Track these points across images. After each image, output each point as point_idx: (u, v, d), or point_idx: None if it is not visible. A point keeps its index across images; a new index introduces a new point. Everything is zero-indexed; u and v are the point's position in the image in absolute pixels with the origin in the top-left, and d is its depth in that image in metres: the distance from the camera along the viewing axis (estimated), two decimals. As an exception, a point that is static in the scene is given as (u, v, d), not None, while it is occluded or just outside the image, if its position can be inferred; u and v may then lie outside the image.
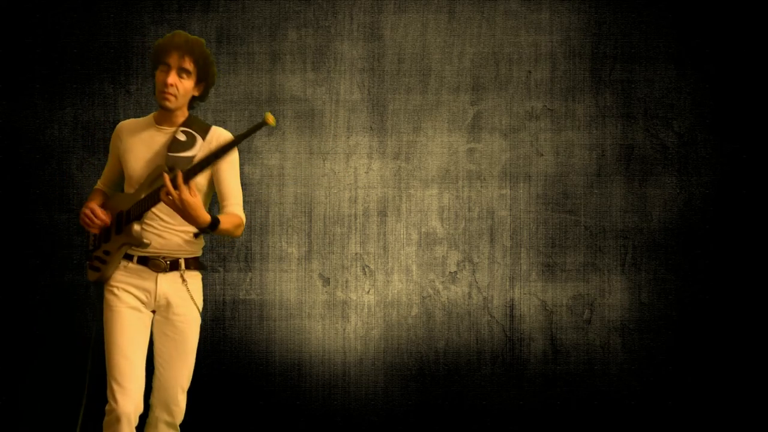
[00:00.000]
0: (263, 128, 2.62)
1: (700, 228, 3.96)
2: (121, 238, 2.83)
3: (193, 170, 2.65)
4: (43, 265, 3.89)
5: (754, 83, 3.94)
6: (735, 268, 3.95)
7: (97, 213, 2.85)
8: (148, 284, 2.84)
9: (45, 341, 3.89)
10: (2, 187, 3.89)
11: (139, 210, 2.78)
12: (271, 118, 2.54)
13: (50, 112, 3.90)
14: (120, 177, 3.01)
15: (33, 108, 3.90)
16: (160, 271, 2.85)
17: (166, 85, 2.79)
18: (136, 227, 2.80)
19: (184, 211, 2.61)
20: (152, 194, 2.75)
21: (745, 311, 3.94)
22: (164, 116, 2.89)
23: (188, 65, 2.81)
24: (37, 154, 3.90)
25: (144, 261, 2.84)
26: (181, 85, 2.81)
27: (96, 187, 3.06)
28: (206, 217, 2.66)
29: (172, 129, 2.87)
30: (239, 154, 3.91)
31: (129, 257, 2.85)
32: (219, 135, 2.88)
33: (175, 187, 2.58)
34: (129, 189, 2.89)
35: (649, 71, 3.96)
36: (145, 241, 2.80)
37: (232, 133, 2.85)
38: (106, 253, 2.85)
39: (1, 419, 3.88)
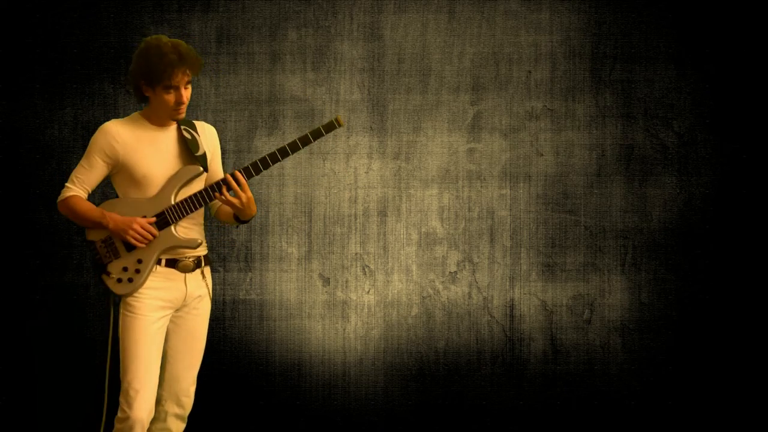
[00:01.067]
0: (327, 132, 2.81)
1: (700, 228, 3.96)
2: (156, 244, 2.79)
3: (257, 168, 2.80)
4: (43, 265, 3.89)
5: (754, 83, 3.94)
6: (735, 268, 3.95)
7: (149, 229, 2.78)
8: (178, 285, 2.84)
9: (45, 341, 3.88)
10: (2, 187, 3.89)
11: (184, 212, 2.80)
12: (341, 120, 2.78)
13: (50, 112, 3.90)
14: (104, 182, 2.91)
15: (33, 108, 3.90)
16: (189, 271, 2.86)
17: (181, 104, 2.78)
18: (177, 230, 2.82)
19: (247, 207, 2.82)
20: (199, 195, 2.80)
21: (745, 311, 3.94)
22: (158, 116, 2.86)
23: (190, 77, 2.79)
24: (37, 154, 3.90)
25: (172, 263, 2.84)
26: (188, 95, 2.82)
27: (73, 194, 2.84)
28: (255, 209, 2.89)
29: (170, 127, 2.87)
30: (242, 153, 3.93)
31: (157, 261, 2.83)
32: (206, 128, 2.98)
33: (240, 185, 2.77)
34: (139, 193, 2.81)
35: (649, 71, 3.96)
36: (198, 239, 2.84)
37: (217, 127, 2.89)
38: (140, 261, 2.79)
39: (0, 419, 3.88)
